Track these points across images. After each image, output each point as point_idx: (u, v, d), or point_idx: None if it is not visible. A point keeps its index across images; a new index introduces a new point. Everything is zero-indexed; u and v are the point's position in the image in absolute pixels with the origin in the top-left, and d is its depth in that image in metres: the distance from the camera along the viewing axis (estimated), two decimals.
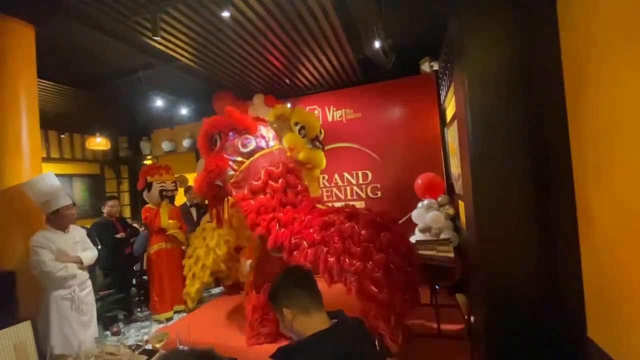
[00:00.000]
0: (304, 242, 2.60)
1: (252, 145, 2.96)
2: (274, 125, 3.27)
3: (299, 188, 2.96)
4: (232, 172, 2.96)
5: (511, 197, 1.88)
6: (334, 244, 2.49)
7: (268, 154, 2.98)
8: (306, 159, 3.14)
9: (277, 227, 2.73)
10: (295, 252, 2.60)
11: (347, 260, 2.44)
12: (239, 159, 2.96)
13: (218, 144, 3.07)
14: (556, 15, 1.61)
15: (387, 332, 2.41)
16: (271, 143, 3.09)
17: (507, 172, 1.89)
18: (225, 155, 2.98)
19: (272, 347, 1.10)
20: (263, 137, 3.07)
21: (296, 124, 3.18)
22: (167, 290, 4.18)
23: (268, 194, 2.81)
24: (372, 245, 2.41)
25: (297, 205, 2.86)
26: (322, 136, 3.42)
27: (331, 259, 2.49)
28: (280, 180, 2.85)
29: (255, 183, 2.84)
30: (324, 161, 3.37)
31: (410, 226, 4.33)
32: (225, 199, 3.38)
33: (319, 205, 2.97)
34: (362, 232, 2.46)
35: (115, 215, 4.22)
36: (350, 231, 2.48)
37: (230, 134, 3.05)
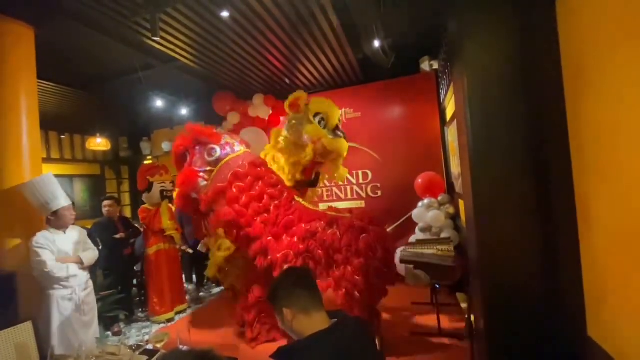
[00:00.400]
0: (291, 252, 2.71)
1: (217, 153, 3.08)
2: (293, 121, 3.26)
3: (273, 180, 3.03)
4: (204, 183, 3.04)
5: (511, 196, 1.88)
6: (318, 252, 2.64)
7: (234, 159, 3.08)
8: (331, 147, 3.11)
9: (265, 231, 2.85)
10: (285, 265, 2.68)
11: (331, 266, 2.62)
12: (208, 168, 3.07)
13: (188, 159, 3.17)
14: (555, 14, 1.61)
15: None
16: (237, 148, 3.19)
17: (507, 171, 1.89)
18: (195, 168, 3.08)
19: (273, 346, 1.10)
20: (228, 144, 3.17)
21: (315, 115, 3.17)
22: (167, 290, 4.16)
23: (242, 197, 2.89)
24: (352, 251, 2.56)
25: (276, 197, 2.93)
26: (340, 124, 3.38)
27: (319, 267, 2.65)
28: (247, 179, 2.92)
29: (220, 185, 2.92)
30: (347, 148, 3.32)
31: (411, 225, 4.33)
32: None
33: (299, 199, 3.02)
34: (343, 238, 2.59)
35: (114, 216, 4.21)
36: (331, 239, 2.62)
37: (197, 147, 3.15)
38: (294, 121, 3.25)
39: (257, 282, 3.03)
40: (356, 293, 2.50)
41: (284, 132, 3.35)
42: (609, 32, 1.21)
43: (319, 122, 3.16)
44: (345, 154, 3.31)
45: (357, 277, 2.49)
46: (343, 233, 2.61)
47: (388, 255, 2.69)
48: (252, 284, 3.06)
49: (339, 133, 3.19)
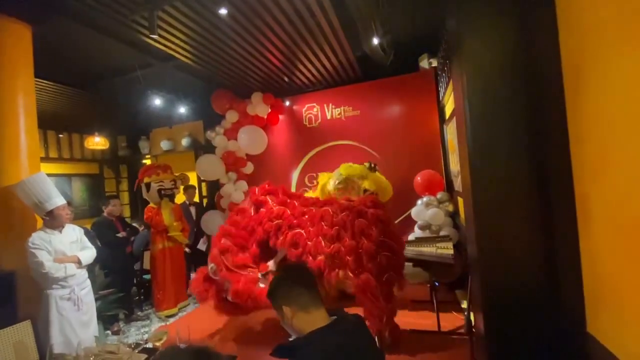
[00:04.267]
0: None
1: None
2: (339, 186, 3.47)
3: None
4: None
5: (510, 193, 1.88)
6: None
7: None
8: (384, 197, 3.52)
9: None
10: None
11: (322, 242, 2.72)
12: None
13: None
14: (555, 9, 1.61)
15: (376, 327, 2.60)
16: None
17: (506, 168, 1.89)
18: None
19: (266, 342, 1.10)
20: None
21: (365, 191, 3.44)
22: (171, 287, 4.26)
23: None
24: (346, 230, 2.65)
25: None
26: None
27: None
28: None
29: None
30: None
31: (410, 223, 4.33)
32: None
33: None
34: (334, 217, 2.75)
35: (116, 215, 4.22)
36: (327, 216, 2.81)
37: None
38: (340, 187, 3.54)
39: None
40: (349, 273, 2.56)
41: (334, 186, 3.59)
42: (609, 27, 1.20)
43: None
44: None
45: (348, 258, 2.55)
46: (335, 212, 2.74)
47: (389, 239, 2.64)
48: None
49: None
